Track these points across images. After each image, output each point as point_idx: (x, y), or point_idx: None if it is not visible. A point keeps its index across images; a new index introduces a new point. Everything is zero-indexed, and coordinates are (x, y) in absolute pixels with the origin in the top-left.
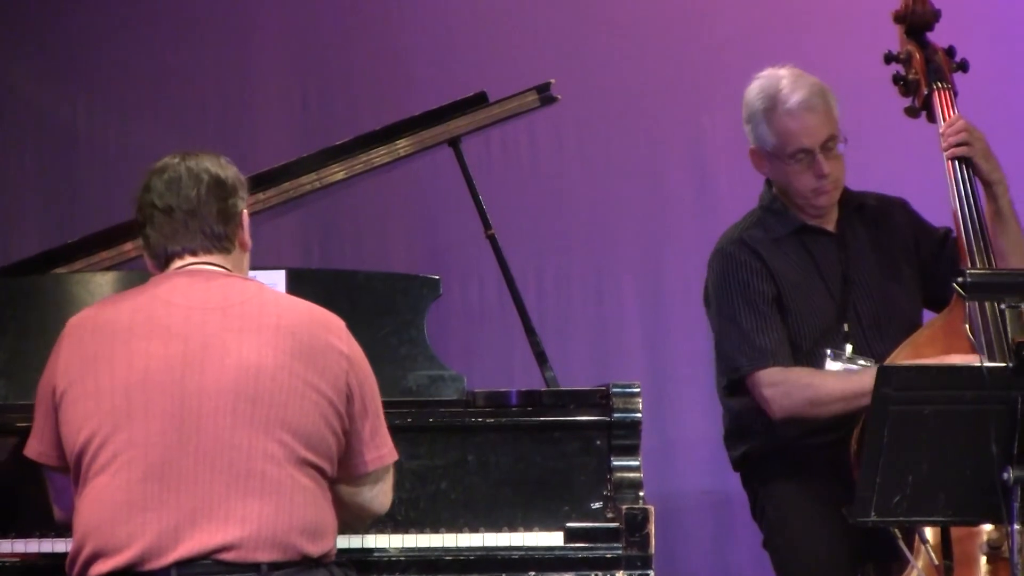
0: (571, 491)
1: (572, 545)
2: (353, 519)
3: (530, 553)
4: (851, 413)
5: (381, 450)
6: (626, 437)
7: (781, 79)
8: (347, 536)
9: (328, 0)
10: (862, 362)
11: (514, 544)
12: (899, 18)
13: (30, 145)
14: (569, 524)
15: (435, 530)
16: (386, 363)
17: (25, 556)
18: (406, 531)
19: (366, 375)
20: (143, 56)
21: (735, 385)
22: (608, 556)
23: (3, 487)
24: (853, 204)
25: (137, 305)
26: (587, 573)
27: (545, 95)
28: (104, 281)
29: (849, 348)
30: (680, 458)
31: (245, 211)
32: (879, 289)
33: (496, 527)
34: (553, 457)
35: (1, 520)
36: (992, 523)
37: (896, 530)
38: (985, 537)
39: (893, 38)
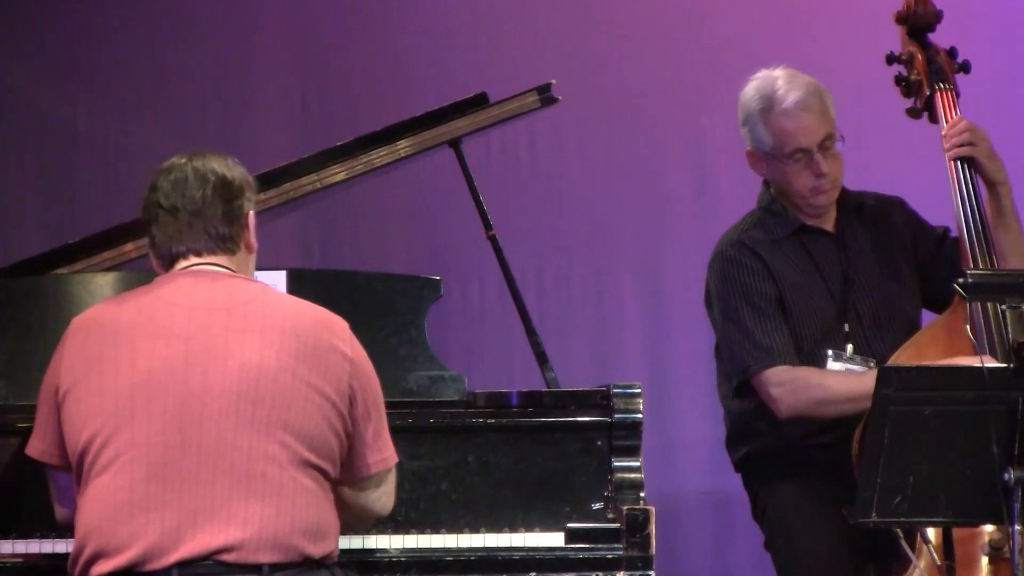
0: (572, 492)
1: (573, 546)
2: (356, 520)
3: (531, 554)
4: (858, 414)
5: (384, 452)
6: (627, 438)
7: (776, 80)
8: (348, 536)
9: (328, 0)
10: (861, 362)
11: (515, 545)
12: (901, 19)
13: (30, 145)
14: (570, 525)
15: (436, 531)
16: (386, 364)
17: (26, 557)
18: (407, 531)
19: (369, 377)
20: (143, 56)
21: (744, 387)
22: (609, 557)
23: (4, 488)
24: (852, 204)
25: (141, 305)
26: (588, 574)
27: (546, 96)
28: (105, 282)
29: (850, 348)
30: (680, 459)
31: (252, 213)
32: (879, 289)
33: (497, 528)
34: (554, 458)
35: (2, 521)
36: (993, 524)
37: (898, 530)
38: (987, 538)
39: (894, 38)
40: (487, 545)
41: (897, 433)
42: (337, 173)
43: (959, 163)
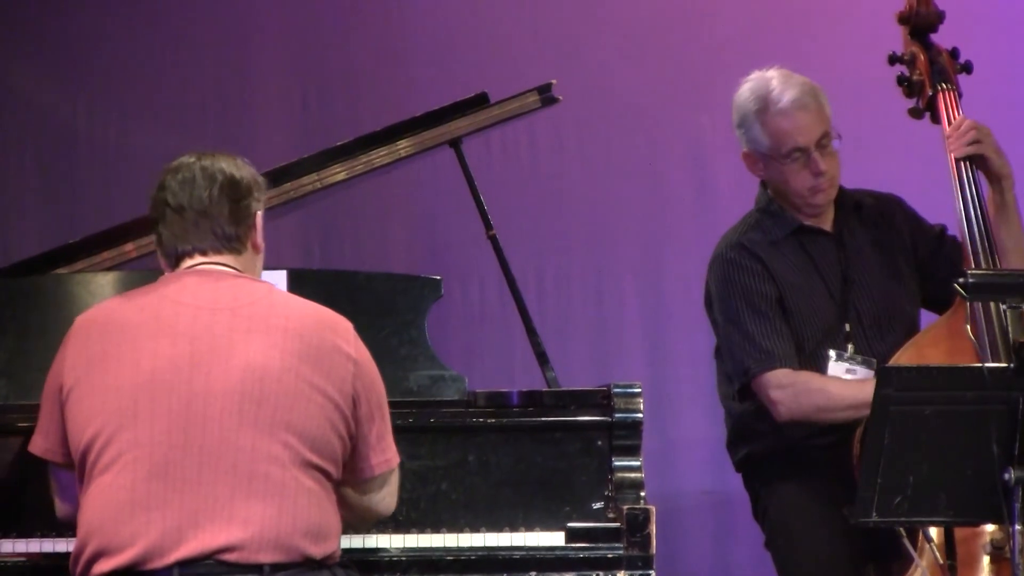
0: (572, 491)
1: (573, 545)
2: (359, 520)
3: (531, 553)
4: (859, 420)
5: (387, 454)
6: (627, 437)
7: (771, 80)
8: (348, 536)
9: (328, 0)
10: (863, 362)
11: (515, 544)
12: (903, 19)
13: (30, 145)
14: (570, 524)
15: (436, 530)
16: (387, 363)
17: (27, 556)
18: (407, 531)
19: (373, 379)
20: (143, 56)
21: (746, 389)
22: (609, 556)
23: (4, 487)
24: (849, 203)
25: (145, 304)
26: (588, 573)
27: (546, 96)
28: (105, 281)
29: (851, 348)
30: (680, 458)
31: (259, 213)
32: (879, 288)
33: (497, 527)
34: (554, 457)
35: (3, 520)
36: (993, 524)
37: (901, 529)
38: (988, 537)
39: (895, 38)
40: (487, 544)
41: (898, 433)
42: (337, 173)
43: (962, 163)
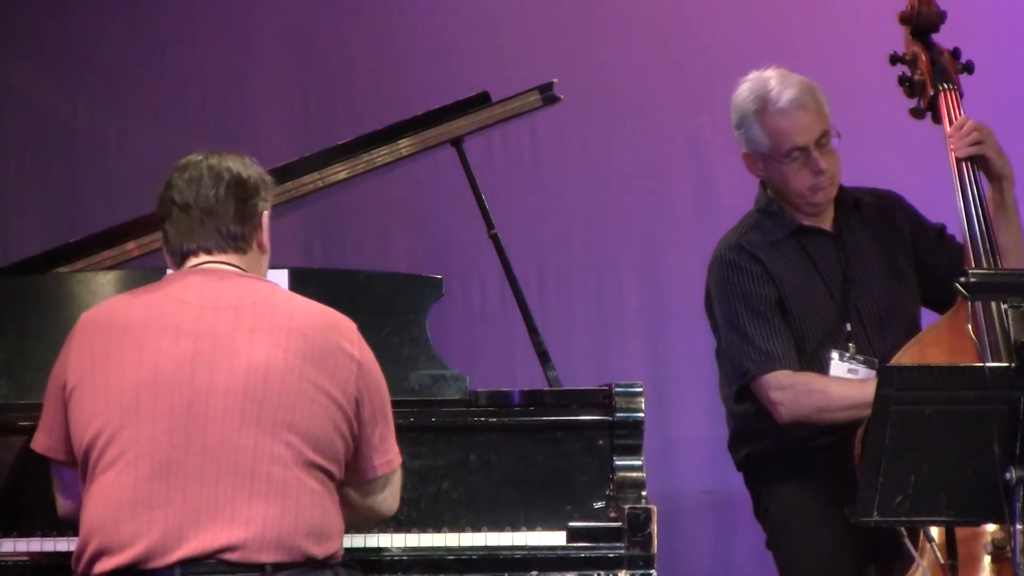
0: (573, 491)
1: (575, 545)
2: (361, 520)
3: (532, 553)
4: (859, 420)
5: (389, 455)
6: (628, 437)
7: (769, 80)
8: (350, 535)
9: (328, 0)
10: (864, 362)
11: (516, 544)
12: (905, 19)
13: (30, 145)
14: (571, 524)
15: (437, 530)
16: (388, 363)
17: (28, 555)
18: (408, 530)
19: (376, 379)
20: (143, 56)
21: (744, 391)
22: (611, 556)
23: (5, 486)
24: (849, 202)
25: (150, 302)
26: (589, 573)
27: (548, 95)
28: (106, 280)
29: (852, 348)
30: (681, 458)
31: (266, 213)
32: (879, 287)
33: (499, 527)
34: (555, 457)
35: (4, 519)
36: (994, 523)
37: (902, 528)
38: (989, 537)
39: (896, 38)
40: (489, 544)
41: (899, 432)
42: (339, 172)
43: (964, 163)
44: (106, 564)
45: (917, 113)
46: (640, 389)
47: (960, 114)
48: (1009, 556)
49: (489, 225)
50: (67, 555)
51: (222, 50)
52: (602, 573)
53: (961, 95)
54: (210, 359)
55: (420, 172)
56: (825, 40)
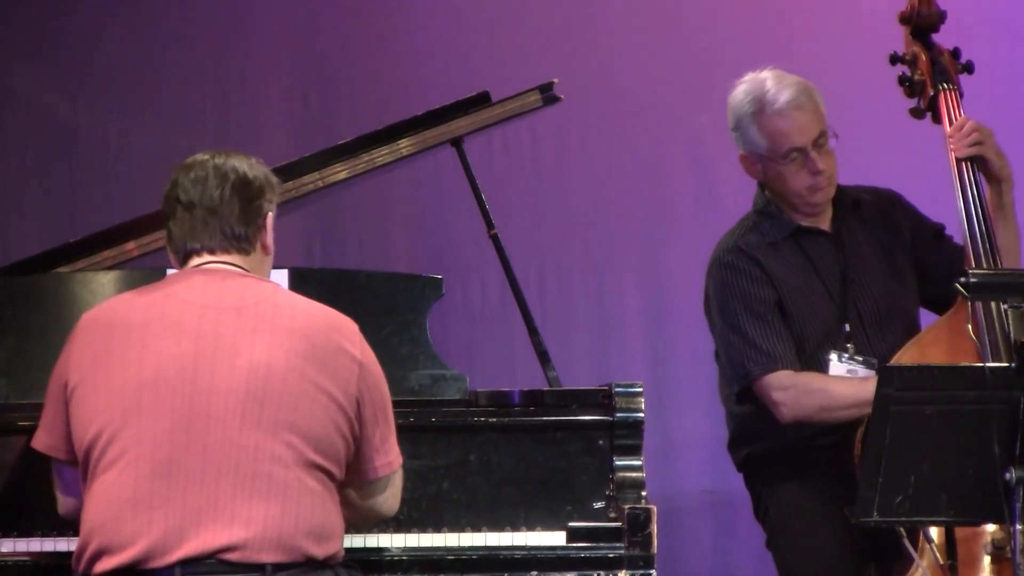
0: (573, 491)
1: (574, 545)
2: (362, 521)
3: (532, 553)
4: (860, 420)
5: (390, 456)
6: (628, 437)
7: (765, 81)
8: (350, 535)
9: (328, 0)
10: (864, 362)
11: (516, 544)
12: (905, 19)
13: (30, 145)
14: (571, 524)
15: (437, 530)
16: (388, 363)
17: (28, 555)
18: (408, 531)
19: (378, 380)
20: (143, 56)
21: (746, 392)
22: (610, 556)
23: (5, 487)
24: (848, 201)
25: (152, 302)
26: (589, 573)
27: (548, 95)
28: (106, 280)
29: (851, 348)
30: (681, 458)
31: (271, 214)
32: (879, 286)
33: (498, 527)
34: (555, 457)
35: (4, 519)
36: (994, 523)
37: (901, 529)
38: (989, 537)
39: (896, 38)
40: (489, 544)
41: (899, 432)
42: (339, 172)
43: (964, 163)
44: (106, 564)
45: (917, 113)
46: (640, 389)
47: (960, 114)
48: (1009, 556)
49: (489, 225)
50: (67, 555)
51: (222, 50)
52: (602, 573)
53: (961, 95)
54: (212, 359)
55: (420, 172)
56: (825, 40)
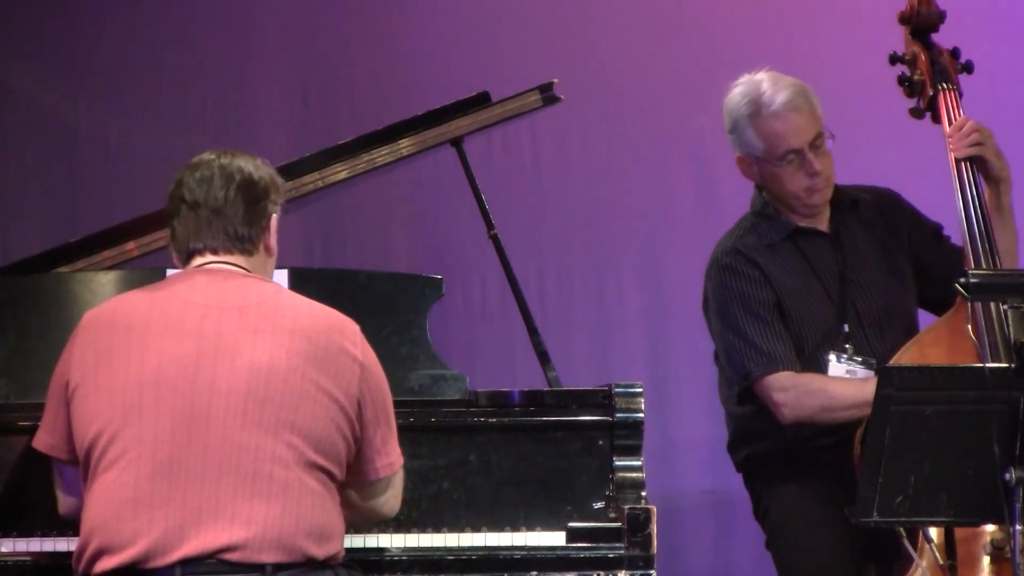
0: (573, 491)
1: (574, 545)
2: (363, 521)
3: (532, 553)
4: (860, 420)
5: (391, 457)
6: (628, 437)
7: (761, 83)
8: (350, 535)
9: (328, 0)
10: (863, 363)
11: (516, 544)
12: (904, 19)
13: (30, 145)
14: (571, 524)
15: (437, 530)
16: (388, 363)
17: (28, 555)
18: (408, 531)
19: (379, 382)
20: (143, 56)
21: (746, 393)
22: (610, 556)
23: (5, 486)
24: (846, 201)
25: (153, 301)
26: (589, 573)
27: (548, 95)
28: (106, 280)
29: (850, 348)
30: (681, 458)
31: (275, 216)
32: (878, 287)
33: (498, 527)
34: (555, 457)
35: (4, 519)
36: (994, 524)
37: (901, 529)
38: (989, 537)
39: (895, 38)
40: (488, 544)
41: (898, 433)
42: (339, 172)
43: (964, 164)
44: (107, 563)
45: (917, 113)
46: (640, 389)
47: (960, 114)
48: (1008, 556)
49: (489, 225)
50: (67, 555)
51: (222, 50)
52: (602, 573)
53: (961, 95)
54: (213, 359)
55: (420, 172)
56: (825, 40)
